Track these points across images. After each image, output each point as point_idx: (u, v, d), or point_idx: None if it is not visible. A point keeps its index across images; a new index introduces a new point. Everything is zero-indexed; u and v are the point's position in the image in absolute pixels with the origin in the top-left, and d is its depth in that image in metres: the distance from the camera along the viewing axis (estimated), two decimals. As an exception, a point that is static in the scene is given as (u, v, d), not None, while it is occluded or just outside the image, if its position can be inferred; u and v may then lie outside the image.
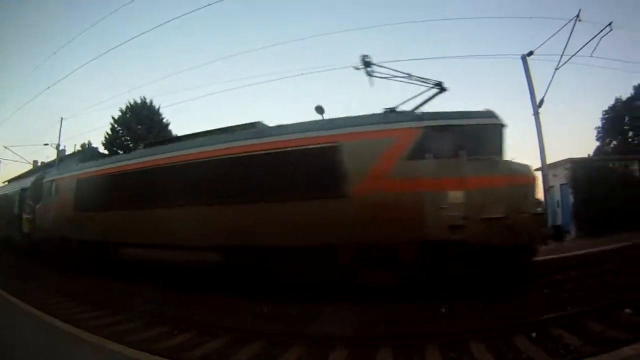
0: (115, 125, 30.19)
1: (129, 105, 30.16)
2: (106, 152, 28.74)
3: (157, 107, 30.76)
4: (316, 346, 5.52)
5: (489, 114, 7.65)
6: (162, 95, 53.05)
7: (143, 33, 33.79)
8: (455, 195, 6.85)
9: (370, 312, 6.71)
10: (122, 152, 25.26)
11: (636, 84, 40.24)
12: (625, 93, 42.11)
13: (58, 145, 27.19)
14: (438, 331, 5.78)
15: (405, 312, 6.72)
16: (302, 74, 39.56)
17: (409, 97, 8.13)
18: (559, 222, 16.85)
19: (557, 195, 18.31)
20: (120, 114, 30.24)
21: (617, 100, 41.11)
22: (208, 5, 12.43)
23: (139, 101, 30.37)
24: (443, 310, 6.71)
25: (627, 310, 5.68)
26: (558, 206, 18.42)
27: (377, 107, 8.44)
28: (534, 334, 5.30)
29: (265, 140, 8.45)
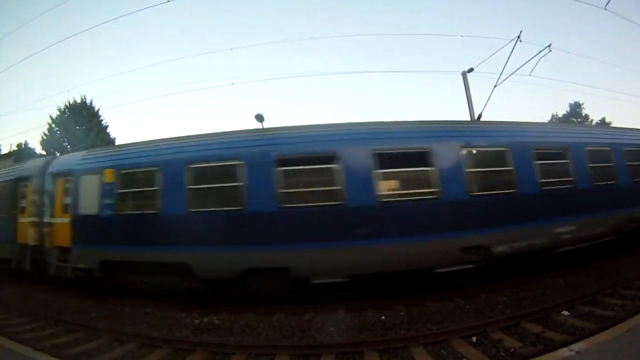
0: (53, 126, 28.37)
1: (67, 104, 28.48)
2: (44, 153, 27.00)
3: (96, 109, 29.39)
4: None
5: None
6: (104, 96, 50.59)
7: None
8: None
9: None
10: (59, 154, 23.83)
11: (572, 101, 43.79)
12: (561, 110, 45.60)
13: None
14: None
15: None
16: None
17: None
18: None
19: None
20: (58, 113, 28.44)
21: (553, 116, 44.32)
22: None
23: (78, 101, 28.79)
24: None
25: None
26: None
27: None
28: None
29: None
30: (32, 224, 10.02)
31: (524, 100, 79.49)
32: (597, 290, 7.01)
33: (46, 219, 9.72)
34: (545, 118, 43.79)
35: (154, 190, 8.13)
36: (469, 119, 13.07)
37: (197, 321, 7.11)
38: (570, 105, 44.04)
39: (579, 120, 41.82)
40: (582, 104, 43.61)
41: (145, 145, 8.90)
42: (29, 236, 10.04)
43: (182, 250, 7.68)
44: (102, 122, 29.63)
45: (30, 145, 29.78)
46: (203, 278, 7.69)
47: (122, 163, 8.63)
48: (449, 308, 7.00)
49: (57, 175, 9.81)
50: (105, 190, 8.50)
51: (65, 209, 9.31)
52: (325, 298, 7.51)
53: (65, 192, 9.51)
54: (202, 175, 7.89)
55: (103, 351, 5.81)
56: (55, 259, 9.16)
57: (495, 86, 11.97)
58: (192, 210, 7.77)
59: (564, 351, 4.41)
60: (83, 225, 8.80)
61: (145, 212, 8.20)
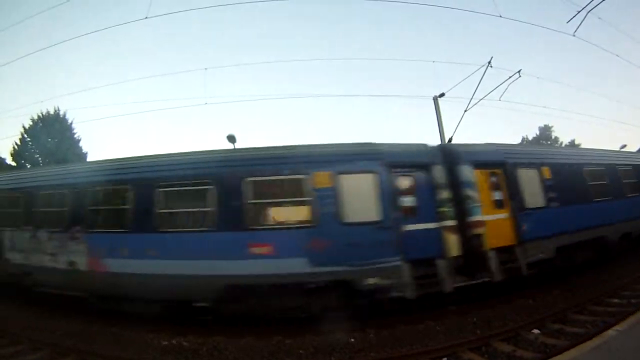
0: (25, 136, 27.53)
1: (40, 115, 27.67)
2: (14, 164, 26.21)
3: (69, 121, 28.76)
4: None
5: None
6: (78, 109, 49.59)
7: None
8: None
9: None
10: (30, 165, 23.21)
11: (542, 124, 45.15)
12: (531, 133, 46.98)
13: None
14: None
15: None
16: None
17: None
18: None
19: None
20: (31, 124, 27.62)
21: (524, 139, 45.54)
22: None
23: (52, 112, 28.04)
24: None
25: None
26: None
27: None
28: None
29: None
30: None
31: (494, 124, 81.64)
32: (567, 308, 7.22)
33: None
34: (516, 140, 44.96)
35: None
36: (439, 142, 13.27)
37: (165, 343, 6.97)
38: (540, 128, 45.43)
39: (549, 142, 43.06)
40: (552, 126, 45.05)
41: None
42: None
43: None
44: (75, 136, 29.05)
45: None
46: None
47: None
48: (418, 330, 7.03)
49: None
50: None
51: None
52: (294, 321, 7.44)
53: None
54: None
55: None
56: None
57: (465, 110, 12.24)
58: None
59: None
60: None
61: None
